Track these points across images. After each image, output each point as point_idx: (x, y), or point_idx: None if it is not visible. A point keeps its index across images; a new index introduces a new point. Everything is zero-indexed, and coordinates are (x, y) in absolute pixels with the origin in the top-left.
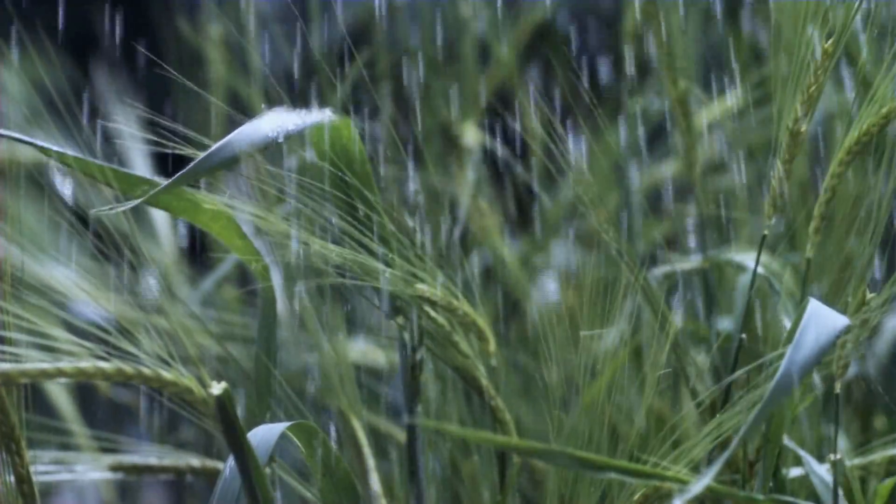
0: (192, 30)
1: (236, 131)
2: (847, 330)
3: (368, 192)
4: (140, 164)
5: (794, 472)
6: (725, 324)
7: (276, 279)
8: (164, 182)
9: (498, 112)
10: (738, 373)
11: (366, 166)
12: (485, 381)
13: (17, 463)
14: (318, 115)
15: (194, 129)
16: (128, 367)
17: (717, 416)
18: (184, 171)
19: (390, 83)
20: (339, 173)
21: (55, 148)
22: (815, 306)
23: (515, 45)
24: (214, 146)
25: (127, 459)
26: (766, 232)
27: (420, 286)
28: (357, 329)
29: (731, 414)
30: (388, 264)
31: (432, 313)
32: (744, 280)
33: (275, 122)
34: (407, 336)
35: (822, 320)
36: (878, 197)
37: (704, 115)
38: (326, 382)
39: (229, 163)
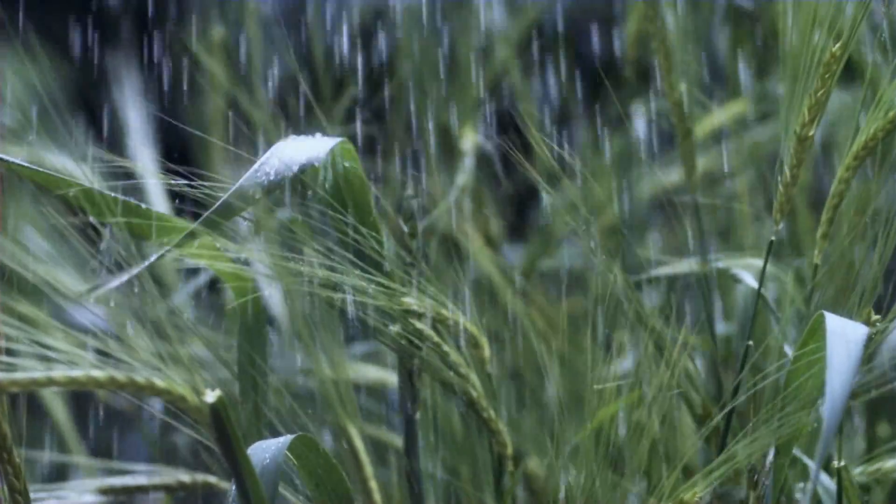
0: (192, 33)
1: (244, 177)
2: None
3: (366, 215)
4: (144, 167)
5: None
6: (724, 328)
7: (274, 293)
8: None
9: (497, 116)
10: (744, 395)
11: (364, 186)
12: (475, 394)
13: (9, 472)
14: (323, 145)
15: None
16: (120, 376)
17: (729, 445)
18: (195, 224)
19: (389, 87)
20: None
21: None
22: (833, 322)
23: (516, 47)
24: (224, 196)
25: (117, 482)
26: (773, 237)
27: (406, 299)
28: (355, 338)
29: (745, 443)
30: (380, 277)
31: (419, 324)
32: (742, 285)
33: (281, 159)
34: (404, 344)
35: (844, 336)
36: (887, 204)
37: (707, 119)
38: (324, 393)
39: (240, 209)
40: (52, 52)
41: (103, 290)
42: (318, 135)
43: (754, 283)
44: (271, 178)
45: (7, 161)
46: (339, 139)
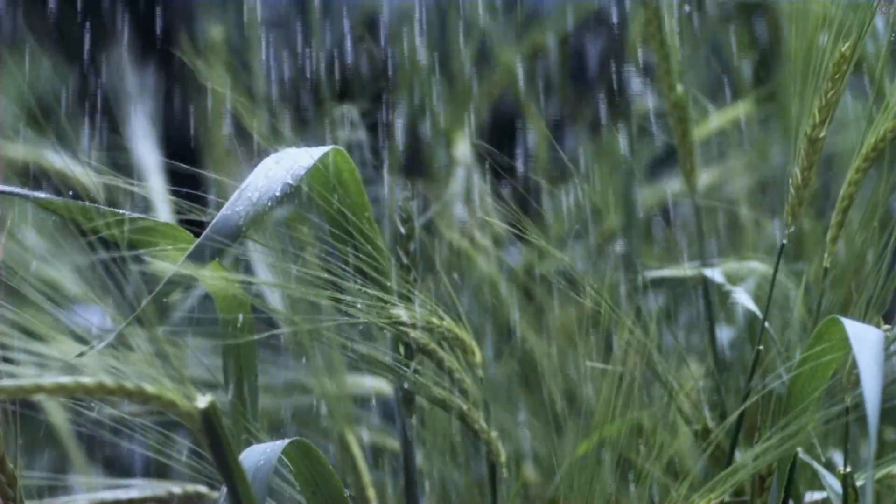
0: (193, 34)
1: (232, 198)
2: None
3: (364, 224)
4: (147, 160)
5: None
6: (726, 334)
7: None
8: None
9: (498, 121)
10: (751, 400)
11: (362, 195)
12: (465, 407)
13: (3, 481)
14: (314, 154)
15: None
16: (109, 382)
17: (743, 454)
18: (191, 248)
19: (388, 91)
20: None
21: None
22: (852, 327)
23: (519, 53)
24: (217, 217)
25: (108, 496)
26: (785, 241)
27: (395, 311)
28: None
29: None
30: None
31: (412, 333)
32: (743, 286)
33: (267, 176)
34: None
35: (865, 340)
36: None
37: (708, 122)
38: (322, 401)
39: (237, 236)
40: (53, 50)
41: (101, 347)
42: (303, 147)
43: (755, 308)
44: (256, 200)
45: (15, 193)
46: (328, 148)
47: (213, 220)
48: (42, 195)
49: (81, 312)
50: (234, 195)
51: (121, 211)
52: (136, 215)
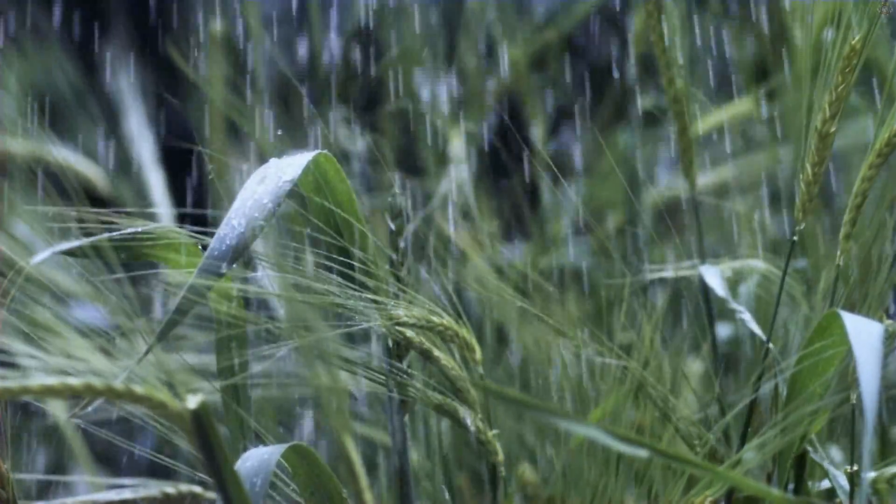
0: (193, 30)
1: (224, 221)
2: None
3: (352, 225)
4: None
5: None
6: (725, 331)
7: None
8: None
9: (502, 117)
10: (744, 402)
11: (351, 198)
12: (461, 409)
13: None
14: (300, 162)
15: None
16: (98, 383)
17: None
18: (193, 276)
19: (387, 90)
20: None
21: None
22: (851, 320)
23: (523, 50)
24: (213, 242)
25: (101, 497)
26: (795, 238)
27: (395, 311)
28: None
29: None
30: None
31: (409, 333)
32: (743, 289)
33: (260, 190)
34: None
35: (864, 333)
36: None
37: (711, 118)
38: (319, 402)
39: (235, 259)
40: (53, 46)
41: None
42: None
43: (758, 331)
44: (246, 224)
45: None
46: (313, 153)
47: (210, 247)
48: (63, 246)
49: (78, 310)
50: (227, 217)
51: (128, 231)
52: (140, 230)
